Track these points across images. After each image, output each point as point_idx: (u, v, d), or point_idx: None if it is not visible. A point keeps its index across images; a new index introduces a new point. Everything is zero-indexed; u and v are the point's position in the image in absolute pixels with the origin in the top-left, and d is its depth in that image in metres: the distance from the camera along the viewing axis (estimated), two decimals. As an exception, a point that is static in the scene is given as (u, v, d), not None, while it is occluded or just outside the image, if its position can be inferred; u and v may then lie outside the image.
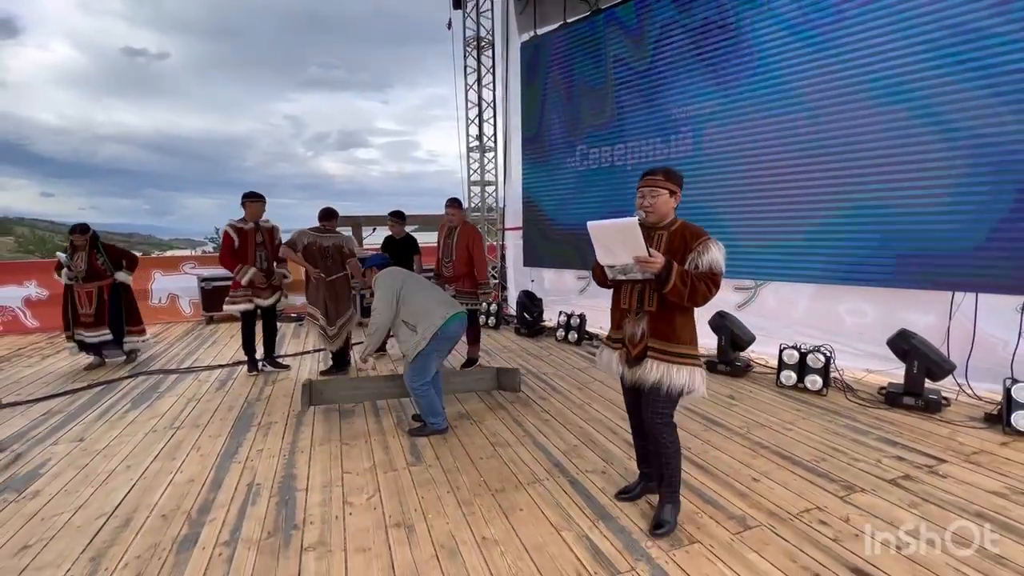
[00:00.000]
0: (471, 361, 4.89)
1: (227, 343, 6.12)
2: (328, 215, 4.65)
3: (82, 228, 4.95)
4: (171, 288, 7.72)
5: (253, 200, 4.53)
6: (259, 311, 4.70)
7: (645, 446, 2.43)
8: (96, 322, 4.95)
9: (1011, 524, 2.21)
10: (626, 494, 2.50)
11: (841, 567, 1.97)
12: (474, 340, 4.89)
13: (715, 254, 2.04)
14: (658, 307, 2.14)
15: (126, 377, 4.72)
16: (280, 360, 5.05)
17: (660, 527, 2.21)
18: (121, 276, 5.11)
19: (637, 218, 2.02)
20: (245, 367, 4.85)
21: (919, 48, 3.81)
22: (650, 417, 2.21)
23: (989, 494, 2.45)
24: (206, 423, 3.59)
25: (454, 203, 4.67)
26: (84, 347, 5.02)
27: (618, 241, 2.04)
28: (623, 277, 2.16)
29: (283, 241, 4.67)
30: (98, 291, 4.96)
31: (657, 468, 2.32)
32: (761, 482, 2.62)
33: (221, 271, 7.58)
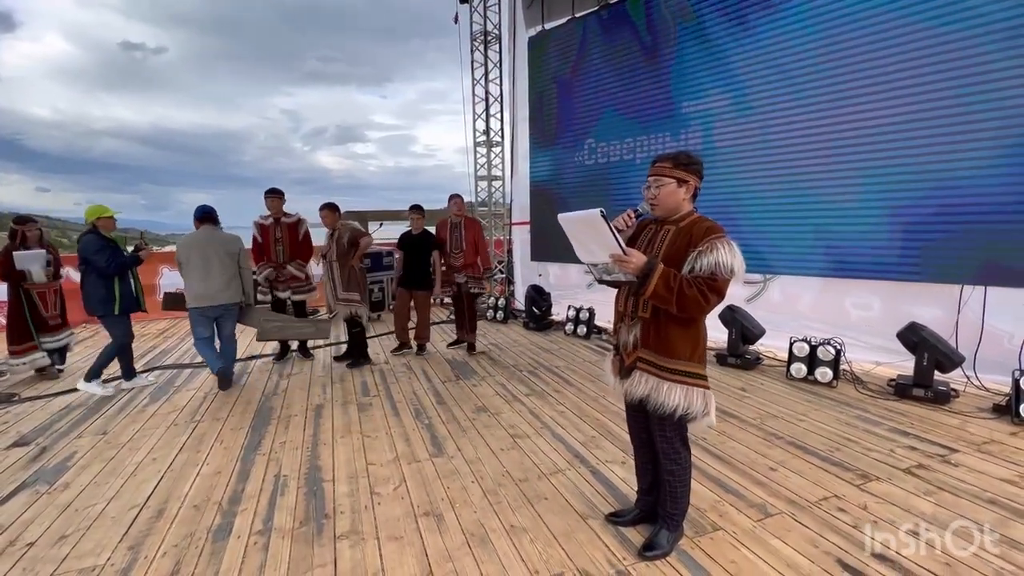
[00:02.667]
0: (469, 346, 5.16)
1: (237, 338, 6.14)
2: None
3: (32, 218, 4.53)
4: (178, 283, 7.72)
5: (268, 196, 4.76)
6: (289, 303, 4.98)
7: (645, 461, 2.16)
8: (61, 324, 4.60)
9: (1023, 510, 2.28)
10: (617, 518, 2.24)
11: (862, 552, 2.03)
12: (472, 329, 5.18)
13: (722, 256, 1.71)
14: (652, 313, 1.88)
15: (141, 371, 4.75)
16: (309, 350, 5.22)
17: (651, 548, 2.01)
18: (62, 273, 4.73)
19: (600, 210, 1.71)
20: (258, 361, 4.96)
21: (928, 37, 3.83)
22: (656, 436, 1.99)
23: (1002, 482, 2.52)
24: (226, 416, 3.63)
25: (459, 199, 5.02)
26: (50, 355, 4.54)
27: (590, 236, 1.81)
28: (608, 278, 1.93)
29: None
30: (59, 289, 4.61)
31: (660, 494, 2.08)
32: (778, 471, 2.68)
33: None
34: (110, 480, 2.74)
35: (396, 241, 5.25)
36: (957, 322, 3.92)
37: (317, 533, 2.24)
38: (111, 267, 3.91)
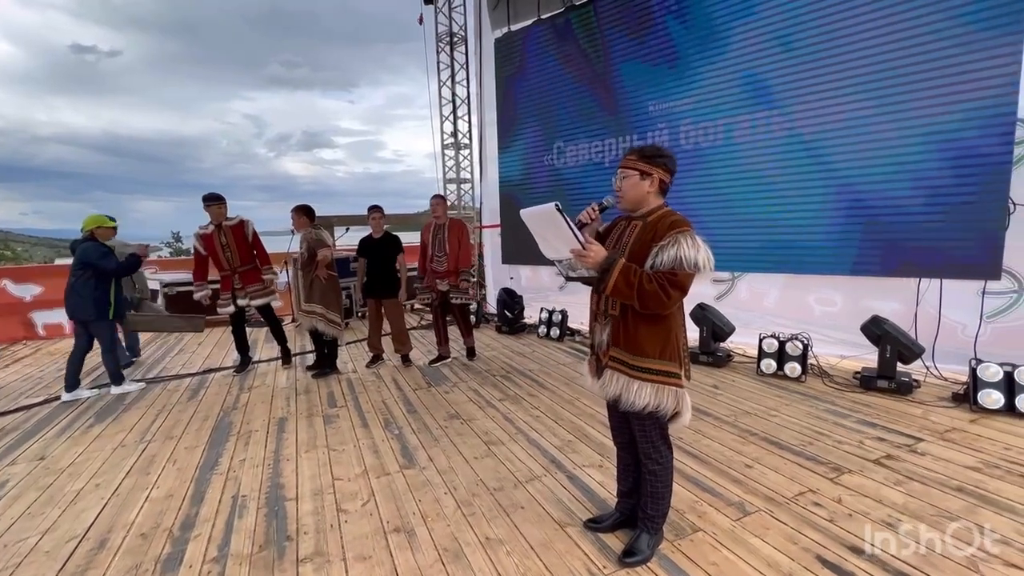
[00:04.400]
0: (469, 351, 5.07)
1: (195, 350, 5.84)
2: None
3: None
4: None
5: (208, 204, 4.51)
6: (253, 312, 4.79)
7: (628, 463, 2.10)
8: None
9: (988, 496, 2.33)
10: (596, 524, 2.18)
11: (840, 547, 2.02)
12: (468, 332, 5.08)
13: (684, 250, 1.67)
14: (621, 312, 1.84)
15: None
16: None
17: (631, 555, 1.95)
18: None
19: (555, 204, 1.69)
20: (217, 374, 4.68)
21: (884, 42, 3.95)
22: (637, 435, 1.95)
23: (966, 469, 2.58)
24: (180, 435, 3.40)
25: (439, 199, 4.79)
26: None
27: (551, 231, 1.77)
28: (574, 275, 1.88)
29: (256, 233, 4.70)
30: None
31: (640, 496, 2.02)
32: (754, 468, 2.67)
33: (184, 276, 7.27)
34: (46, 510, 2.50)
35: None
36: (916, 314, 4.04)
37: (278, 557, 2.09)
38: (120, 269, 4.15)
